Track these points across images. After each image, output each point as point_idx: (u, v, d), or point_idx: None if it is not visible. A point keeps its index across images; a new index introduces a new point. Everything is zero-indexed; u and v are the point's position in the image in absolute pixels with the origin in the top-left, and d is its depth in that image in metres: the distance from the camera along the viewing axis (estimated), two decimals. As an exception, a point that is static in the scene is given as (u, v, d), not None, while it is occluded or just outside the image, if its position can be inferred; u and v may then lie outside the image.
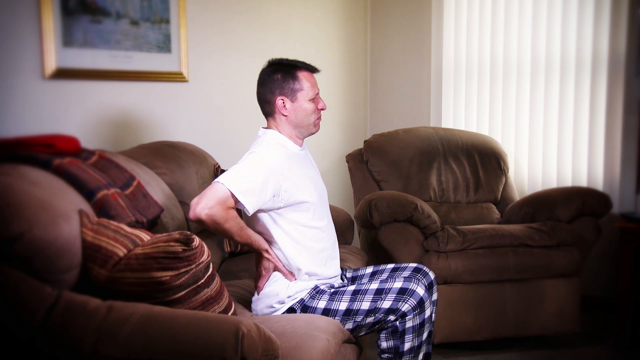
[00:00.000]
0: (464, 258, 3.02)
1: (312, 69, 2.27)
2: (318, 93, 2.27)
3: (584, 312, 3.48)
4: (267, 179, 2.08)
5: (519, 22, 3.93)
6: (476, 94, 4.13)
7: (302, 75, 2.23)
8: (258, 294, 2.25)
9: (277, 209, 2.15)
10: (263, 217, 2.17)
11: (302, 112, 2.23)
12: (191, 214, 1.97)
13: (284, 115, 2.23)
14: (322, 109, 2.27)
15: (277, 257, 2.21)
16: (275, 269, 2.21)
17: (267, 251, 2.19)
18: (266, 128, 2.29)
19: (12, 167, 1.70)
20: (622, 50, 3.62)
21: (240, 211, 2.12)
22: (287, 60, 2.26)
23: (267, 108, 2.25)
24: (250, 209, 2.04)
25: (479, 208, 3.67)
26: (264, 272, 2.21)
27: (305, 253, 2.22)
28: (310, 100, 2.23)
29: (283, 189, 2.12)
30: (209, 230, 2.08)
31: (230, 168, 2.08)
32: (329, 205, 2.45)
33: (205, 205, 1.96)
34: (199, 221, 1.98)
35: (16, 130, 2.44)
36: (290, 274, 2.21)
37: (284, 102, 2.21)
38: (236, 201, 2.02)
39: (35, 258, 1.49)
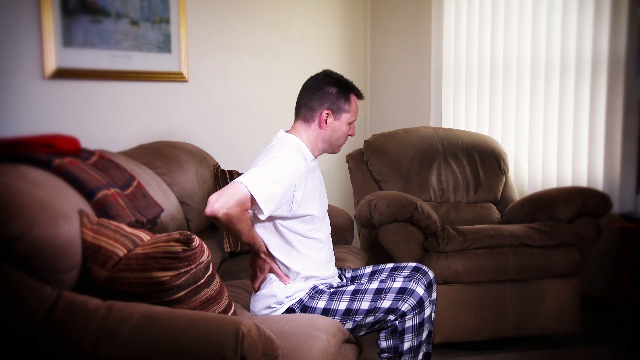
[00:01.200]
0: (464, 258, 3.02)
1: (361, 96, 2.31)
2: (355, 120, 2.31)
3: (584, 312, 3.48)
4: (287, 188, 2.09)
5: (519, 22, 3.93)
6: (476, 94, 4.13)
7: (353, 99, 2.28)
8: (255, 293, 2.25)
9: (283, 218, 2.16)
10: (267, 222, 2.18)
11: (338, 132, 2.27)
12: (208, 210, 1.97)
13: (321, 129, 2.25)
14: (351, 135, 2.31)
15: (274, 260, 2.22)
16: (271, 270, 2.22)
17: (264, 253, 2.19)
18: (287, 132, 2.29)
19: (12, 167, 1.70)
20: (622, 50, 3.62)
21: None
22: (344, 78, 2.29)
23: (307, 114, 2.25)
24: (266, 214, 2.05)
25: (479, 208, 3.67)
26: (259, 273, 2.22)
27: (303, 261, 2.22)
28: (349, 123, 2.28)
29: (294, 200, 2.13)
30: (220, 227, 2.08)
31: (253, 170, 2.07)
32: (328, 205, 2.46)
33: (224, 204, 1.96)
34: (215, 218, 1.98)
35: (16, 130, 2.44)
36: (285, 277, 2.22)
37: (327, 116, 2.24)
38: (253, 204, 2.02)
39: (35, 258, 1.49)
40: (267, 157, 2.14)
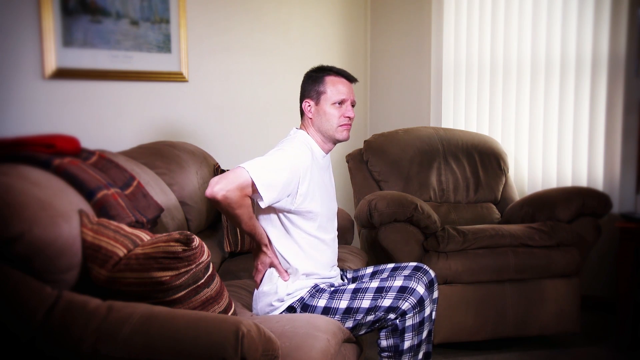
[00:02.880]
0: (464, 258, 3.02)
1: (344, 76, 2.28)
2: (347, 100, 2.26)
3: (584, 312, 3.48)
4: (289, 179, 2.09)
5: (519, 22, 3.93)
6: (476, 94, 4.13)
7: (329, 79, 2.25)
8: (257, 288, 2.26)
9: (287, 211, 2.16)
10: (272, 214, 2.19)
11: (324, 115, 2.24)
12: (208, 192, 1.99)
13: (310, 118, 2.27)
14: (348, 117, 2.26)
15: (275, 254, 2.22)
16: (272, 265, 2.22)
17: (266, 246, 2.20)
18: (299, 128, 2.32)
19: (12, 167, 1.70)
20: (622, 50, 3.62)
21: (252, 201, 2.14)
22: (325, 66, 2.30)
23: (300, 110, 2.31)
24: (266, 202, 2.06)
25: (479, 208, 3.67)
26: (260, 267, 2.23)
27: (304, 258, 2.23)
28: (333, 104, 2.24)
29: (299, 193, 2.13)
30: (220, 211, 2.10)
31: (256, 158, 2.09)
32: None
33: (224, 186, 1.98)
34: (214, 200, 2.00)
35: (16, 130, 2.44)
36: (284, 273, 2.22)
37: (309, 105, 2.26)
38: (254, 191, 2.03)
39: (35, 258, 1.49)
40: (274, 148, 2.18)
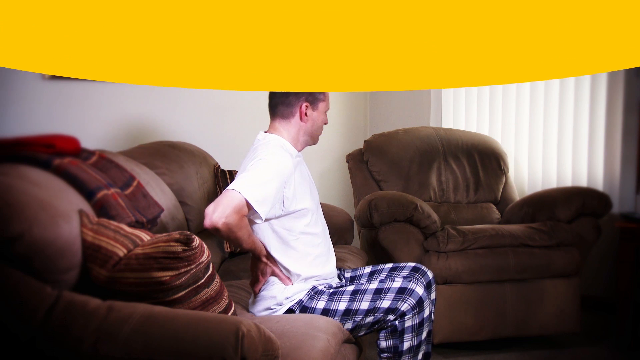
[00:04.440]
0: (464, 258, 3.02)
1: None
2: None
3: (584, 312, 3.48)
4: (278, 187, 2.09)
5: (519, 22, 3.93)
6: (476, 94, 4.13)
7: None
8: (255, 297, 2.25)
9: (277, 217, 2.16)
10: (261, 224, 2.18)
11: (318, 122, 2.29)
12: (207, 222, 1.97)
13: (302, 122, 2.25)
14: (325, 124, 2.35)
15: (275, 263, 2.22)
16: (273, 273, 2.22)
17: (265, 256, 2.19)
18: (266, 132, 2.29)
19: (12, 167, 1.70)
20: (622, 50, 3.61)
21: None
22: None
23: (285, 111, 2.26)
24: (263, 217, 2.06)
25: (479, 208, 3.67)
26: (260, 277, 2.22)
27: (302, 259, 2.22)
28: (326, 111, 2.31)
29: (285, 197, 2.13)
30: (221, 237, 2.08)
31: (242, 175, 2.08)
32: (328, 206, 2.47)
33: (222, 213, 1.96)
34: (215, 229, 1.98)
35: (16, 130, 2.44)
36: (286, 278, 2.22)
37: (307, 108, 2.25)
38: (249, 208, 2.03)
39: (35, 258, 1.49)
40: (254, 159, 2.14)
